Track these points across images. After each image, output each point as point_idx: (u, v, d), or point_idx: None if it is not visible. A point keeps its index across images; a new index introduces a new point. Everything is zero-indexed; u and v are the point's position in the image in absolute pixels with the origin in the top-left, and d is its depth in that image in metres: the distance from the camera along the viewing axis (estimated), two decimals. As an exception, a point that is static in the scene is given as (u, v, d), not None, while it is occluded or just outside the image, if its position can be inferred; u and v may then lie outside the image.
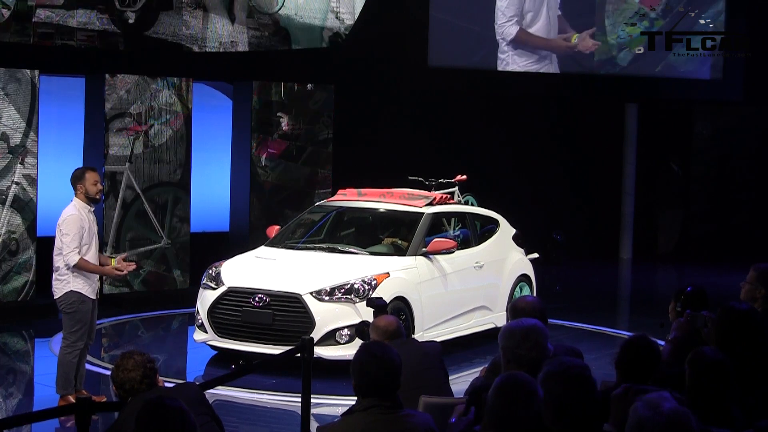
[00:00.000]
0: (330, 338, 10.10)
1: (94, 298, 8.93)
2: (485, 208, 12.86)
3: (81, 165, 12.19)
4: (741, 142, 19.94)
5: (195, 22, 14.88)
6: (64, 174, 9.26)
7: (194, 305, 10.89)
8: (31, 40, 13.40)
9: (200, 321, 10.65)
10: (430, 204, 11.64)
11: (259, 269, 10.78)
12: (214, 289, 10.59)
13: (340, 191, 12.22)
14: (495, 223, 12.43)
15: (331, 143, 15.55)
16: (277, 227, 11.83)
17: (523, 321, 5.09)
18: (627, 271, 19.20)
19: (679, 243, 20.24)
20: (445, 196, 12.22)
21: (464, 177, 14.18)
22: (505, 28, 17.93)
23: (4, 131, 12.56)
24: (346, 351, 9.76)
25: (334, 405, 9.15)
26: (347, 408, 4.79)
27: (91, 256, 8.82)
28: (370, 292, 10.13)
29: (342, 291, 10.26)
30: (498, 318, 11.78)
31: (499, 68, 18.02)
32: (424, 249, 11.09)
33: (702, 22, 18.34)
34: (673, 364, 5.50)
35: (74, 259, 8.66)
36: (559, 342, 8.47)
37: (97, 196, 8.91)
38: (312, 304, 10.17)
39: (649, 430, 3.71)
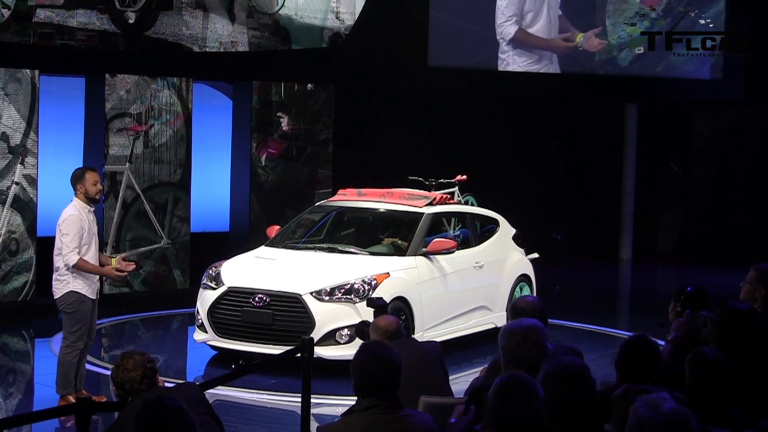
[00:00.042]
0: (330, 338, 10.10)
1: (94, 298, 8.93)
2: (485, 208, 12.86)
3: (81, 165, 12.19)
4: (741, 142, 19.94)
5: (195, 22, 14.89)
6: (64, 174, 9.25)
7: (194, 305, 10.89)
8: (31, 40, 13.40)
9: (200, 321, 10.65)
10: (430, 204, 11.64)
11: (259, 269, 10.78)
12: (214, 289, 10.59)
13: (340, 191, 12.22)
14: (495, 223, 12.43)
15: (331, 143, 15.55)
16: (277, 227, 11.83)
17: (522, 321, 5.09)
18: (627, 271, 19.19)
19: (679, 243, 20.24)
20: (445, 196, 12.22)
21: (464, 177, 14.18)
22: (504, 27, 17.93)
23: (4, 131, 12.56)
24: (346, 351, 9.75)
25: (334, 405, 9.15)
26: (347, 408, 4.79)
27: (91, 257, 8.82)
28: (370, 292, 10.13)
29: (342, 291, 10.27)
30: (498, 318, 11.78)
31: (500, 68, 18.02)
32: (424, 249, 11.09)
33: (702, 22, 18.34)
34: (673, 364, 5.50)
35: (73, 259, 8.66)
36: (559, 342, 8.49)
37: (97, 196, 8.91)
38: (312, 304, 10.17)
39: (649, 430, 3.72)
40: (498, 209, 12.75)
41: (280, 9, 15.83)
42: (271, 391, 9.57)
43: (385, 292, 10.16)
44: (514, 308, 5.92)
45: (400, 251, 11.15)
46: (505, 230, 12.44)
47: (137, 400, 5.05)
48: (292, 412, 8.79)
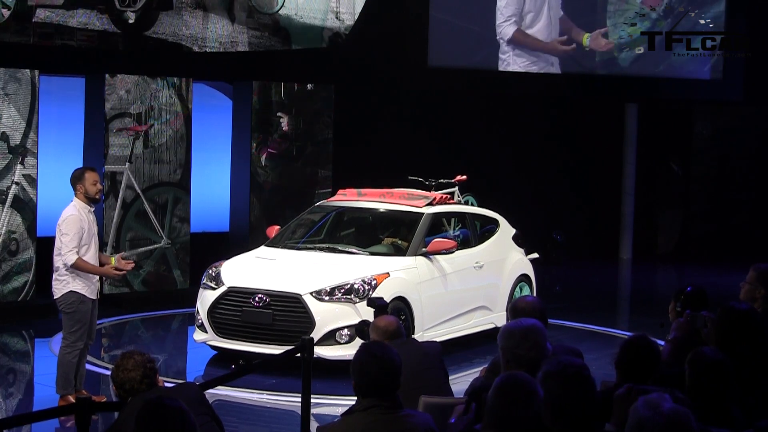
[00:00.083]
0: (330, 338, 10.10)
1: (94, 298, 8.93)
2: (485, 208, 12.86)
3: (81, 165, 12.19)
4: (741, 142, 19.94)
5: (195, 22, 14.88)
6: (64, 174, 9.25)
7: (194, 305, 10.89)
8: (31, 40, 13.40)
9: (200, 321, 10.65)
10: (430, 204, 11.64)
11: (259, 269, 10.78)
12: (214, 289, 10.59)
13: (340, 191, 12.22)
14: (495, 223, 12.43)
15: (331, 143, 15.55)
16: (277, 227, 11.83)
17: (522, 321, 5.09)
18: (627, 271, 19.19)
19: (679, 243, 20.24)
20: (445, 196, 12.22)
21: (464, 177, 14.18)
22: (503, 27, 17.93)
23: (4, 131, 12.56)
24: (346, 351, 9.75)
25: (334, 405, 9.15)
26: (347, 408, 4.79)
27: (91, 257, 8.82)
28: (370, 292, 10.13)
29: (342, 291, 10.27)
30: (498, 318, 11.78)
31: (500, 68, 18.02)
32: (424, 249, 11.09)
33: (702, 22, 18.33)
34: (673, 364, 5.51)
35: (72, 258, 8.66)
36: (559, 342, 8.49)
37: (97, 196, 8.91)
38: (312, 304, 10.17)
39: (649, 430, 3.72)
40: (498, 209, 12.75)
41: (280, 9, 15.83)
42: (271, 391, 9.57)
43: (385, 292, 10.16)
44: (514, 308, 5.92)
45: (400, 251, 11.15)
46: (505, 230, 12.44)
47: (137, 400, 5.05)
48: (292, 412, 8.79)
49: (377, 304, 7.42)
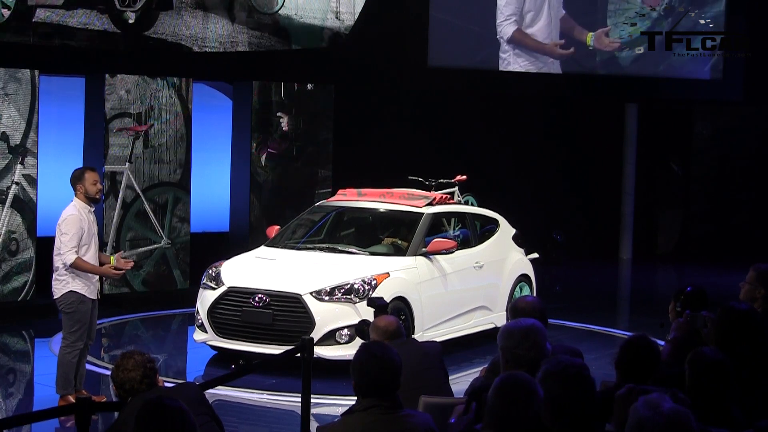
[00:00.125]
0: (330, 338, 10.10)
1: (94, 298, 8.92)
2: (485, 208, 12.86)
3: (81, 165, 12.19)
4: (741, 142, 19.94)
5: (195, 22, 14.88)
6: (64, 174, 9.25)
7: (194, 305, 10.89)
8: (31, 40, 13.40)
9: (200, 321, 10.65)
10: (430, 204, 11.64)
11: (259, 269, 10.78)
12: (214, 289, 10.59)
13: (340, 191, 12.22)
14: (495, 223, 12.43)
15: (331, 143, 15.54)
16: (277, 227, 11.83)
17: (521, 321, 5.09)
18: (627, 271, 19.19)
19: (679, 243, 20.24)
20: (445, 196, 12.22)
21: (464, 177, 14.18)
22: (503, 27, 17.93)
23: (4, 131, 12.56)
24: (346, 351, 9.75)
25: (334, 405, 9.15)
26: (347, 408, 4.79)
27: (91, 257, 8.82)
28: (370, 292, 10.13)
29: (342, 291, 10.27)
30: (498, 318, 11.77)
31: (501, 68, 18.01)
32: (424, 249, 11.09)
33: (702, 22, 18.33)
34: (673, 364, 5.51)
35: (70, 258, 8.66)
36: (559, 342, 8.49)
37: (97, 196, 8.91)
38: (312, 304, 10.17)
39: (649, 430, 3.72)
40: (498, 209, 12.75)
41: (280, 9, 15.83)
42: (271, 391, 9.57)
43: (385, 292, 10.16)
44: (514, 308, 5.93)
45: (400, 251, 11.15)
46: (505, 230, 12.44)
47: (137, 400, 5.05)
48: (292, 412, 8.79)
49: (377, 304, 7.42)
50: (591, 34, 18.11)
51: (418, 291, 10.73)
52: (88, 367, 9.45)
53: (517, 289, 12.19)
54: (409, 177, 13.96)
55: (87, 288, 8.81)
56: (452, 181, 14.17)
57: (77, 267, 8.70)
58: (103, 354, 11.11)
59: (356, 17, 16.60)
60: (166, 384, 5.83)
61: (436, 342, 7.37)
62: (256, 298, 10.28)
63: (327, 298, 10.21)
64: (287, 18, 15.91)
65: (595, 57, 18.30)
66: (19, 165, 12.66)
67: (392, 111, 17.46)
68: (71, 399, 8.51)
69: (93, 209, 8.93)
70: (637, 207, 19.96)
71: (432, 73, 17.85)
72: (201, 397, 5.48)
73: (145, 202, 13.83)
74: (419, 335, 10.44)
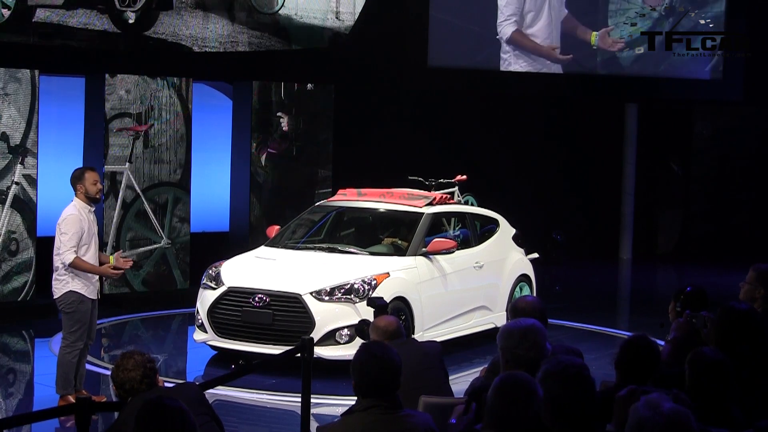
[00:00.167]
0: (330, 338, 10.10)
1: (94, 298, 8.92)
2: (485, 208, 12.85)
3: (81, 165, 12.18)
4: (741, 142, 19.94)
5: (195, 22, 14.88)
6: (64, 174, 9.25)
7: (194, 305, 10.89)
8: (31, 40, 13.40)
9: (200, 321, 10.65)
10: (430, 204, 11.64)
11: (259, 269, 10.78)
12: (214, 289, 10.59)
13: (340, 191, 12.22)
14: (495, 223, 12.42)
15: (331, 143, 15.54)
16: (277, 227, 11.83)
17: (521, 321, 5.09)
18: (627, 271, 19.19)
19: (679, 243, 20.24)
20: (445, 196, 12.22)
21: (464, 177, 14.18)
22: (503, 27, 17.92)
23: (4, 131, 12.56)
24: (346, 351, 9.75)
25: (334, 405, 9.15)
26: (347, 408, 4.79)
27: (91, 256, 8.82)
28: (370, 292, 10.13)
29: (342, 291, 10.26)
30: (498, 318, 11.77)
31: (502, 68, 18.01)
32: (424, 249, 11.09)
33: (702, 22, 18.33)
34: (673, 364, 5.51)
35: (69, 257, 8.66)
36: (559, 342, 8.48)
37: (97, 196, 8.91)
38: (312, 304, 10.17)
39: (649, 430, 3.72)
40: (498, 209, 12.75)
41: (280, 9, 15.83)
42: (271, 391, 9.57)
43: (385, 292, 10.16)
44: (514, 308, 5.92)
45: (400, 251, 11.15)
46: (505, 230, 12.44)
47: (137, 400, 5.05)
48: (292, 412, 8.79)
49: (377, 304, 7.42)
50: (595, 33, 18.10)
51: (418, 291, 10.73)
52: (88, 367, 9.45)
53: (517, 289, 12.19)
54: (409, 177, 13.97)
55: (87, 288, 8.81)
56: (452, 181, 14.17)
57: (76, 266, 8.70)
58: (103, 354, 11.11)
59: (356, 17, 16.60)
60: (166, 384, 5.83)
61: (436, 342, 7.37)
62: (256, 298, 10.28)
63: (327, 298, 10.21)
64: (287, 18, 15.90)
65: (595, 57, 18.30)
66: (19, 165, 12.66)
67: (392, 111, 17.46)
68: (71, 399, 8.51)
69: (93, 209, 8.93)
70: (637, 207, 19.96)
71: (432, 73, 17.85)
72: (201, 397, 5.48)
73: (145, 202, 13.83)
74: (419, 335, 10.44)
